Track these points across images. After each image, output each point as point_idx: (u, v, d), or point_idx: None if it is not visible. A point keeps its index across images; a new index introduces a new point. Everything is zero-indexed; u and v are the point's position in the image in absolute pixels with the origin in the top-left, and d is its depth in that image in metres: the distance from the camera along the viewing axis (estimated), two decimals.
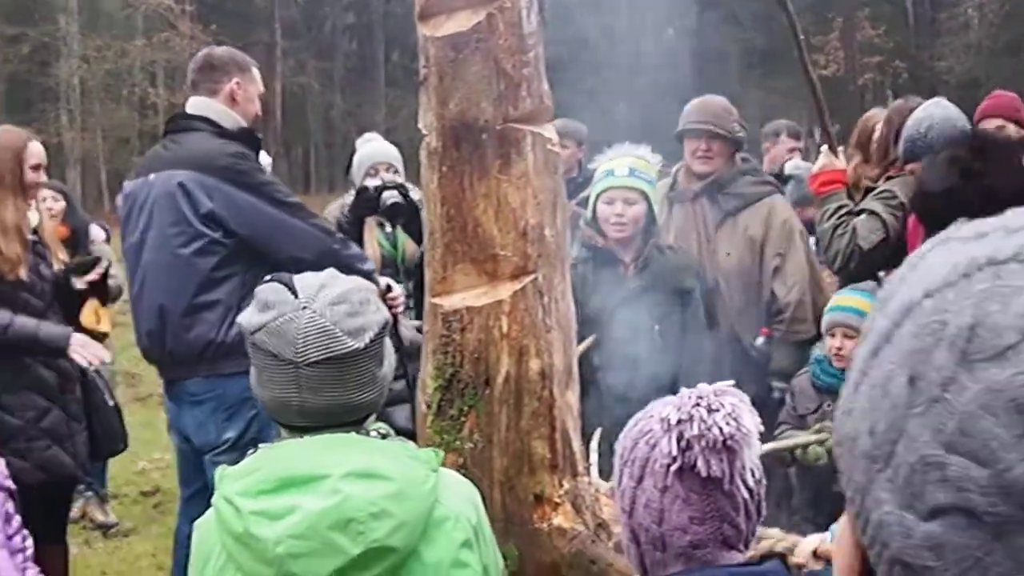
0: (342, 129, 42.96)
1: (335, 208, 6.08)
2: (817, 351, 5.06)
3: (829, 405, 4.88)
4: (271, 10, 44.60)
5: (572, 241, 4.73)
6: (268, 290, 2.43)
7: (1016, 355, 0.72)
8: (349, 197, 5.95)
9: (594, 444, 4.16)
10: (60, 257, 5.47)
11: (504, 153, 3.61)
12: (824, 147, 5.31)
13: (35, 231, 5.22)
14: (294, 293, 2.40)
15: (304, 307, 2.36)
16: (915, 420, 0.77)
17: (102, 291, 5.36)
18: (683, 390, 2.25)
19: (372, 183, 5.76)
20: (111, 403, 5.33)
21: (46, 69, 37.97)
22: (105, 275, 5.31)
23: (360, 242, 5.56)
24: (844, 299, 4.92)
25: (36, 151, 5.17)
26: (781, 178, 6.85)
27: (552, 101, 3.81)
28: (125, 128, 40.70)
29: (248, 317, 2.43)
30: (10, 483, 3.49)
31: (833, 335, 4.90)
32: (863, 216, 5.02)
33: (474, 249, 3.65)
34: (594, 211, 5.01)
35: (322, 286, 2.43)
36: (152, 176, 4.77)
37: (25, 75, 38.74)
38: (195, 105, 4.91)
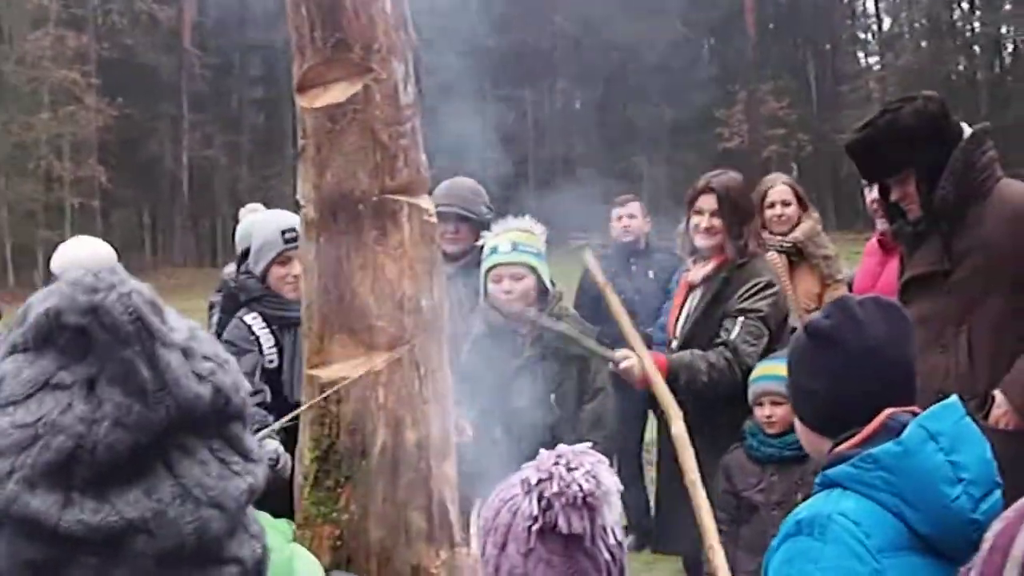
0: (249, 202, 43.09)
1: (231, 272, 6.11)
2: (748, 424, 4.97)
3: (773, 475, 4.83)
4: (177, 83, 44.49)
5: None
6: None
7: None
8: (230, 268, 5.99)
9: (475, 515, 4.13)
10: None
11: (380, 224, 3.60)
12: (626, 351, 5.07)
13: None
14: None
15: None
16: None
17: None
18: (543, 452, 2.27)
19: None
20: None
21: None
22: None
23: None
24: (767, 368, 4.87)
25: None
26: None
27: (429, 172, 3.82)
28: (31, 201, 40.23)
29: None
30: None
31: (761, 404, 4.88)
32: (736, 329, 5.10)
33: (351, 320, 3.62)
34: (486, 289, 5.02)
35: None
36: None
37: None
38: None
